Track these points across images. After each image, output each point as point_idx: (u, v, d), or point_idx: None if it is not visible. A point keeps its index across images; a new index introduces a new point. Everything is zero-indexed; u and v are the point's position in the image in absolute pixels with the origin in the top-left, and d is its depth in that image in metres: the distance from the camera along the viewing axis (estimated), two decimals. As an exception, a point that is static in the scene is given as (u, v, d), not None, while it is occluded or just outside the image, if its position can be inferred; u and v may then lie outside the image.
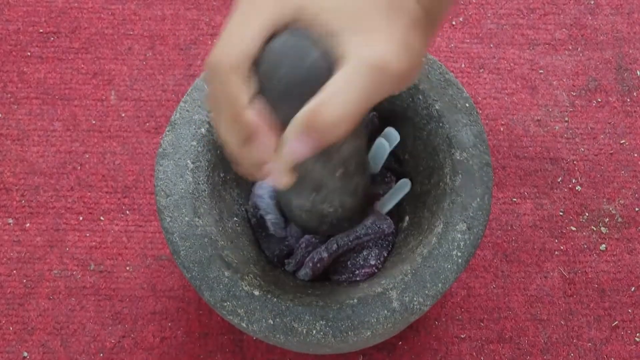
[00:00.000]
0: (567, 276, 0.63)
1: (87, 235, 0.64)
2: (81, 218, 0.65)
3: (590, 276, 0.63)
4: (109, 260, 0.63)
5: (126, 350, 0.61)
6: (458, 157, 0.51)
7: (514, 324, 0.62)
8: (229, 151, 0.40)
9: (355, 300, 0.48)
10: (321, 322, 0.47)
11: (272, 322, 0.47)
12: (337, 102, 0.37)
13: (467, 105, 0.52)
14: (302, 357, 0.61)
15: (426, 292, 0.47)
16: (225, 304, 0.47)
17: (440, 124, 0.52)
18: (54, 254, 0.64)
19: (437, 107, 0.52)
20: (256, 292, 0.48)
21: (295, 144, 0.38)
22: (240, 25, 0.39)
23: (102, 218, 0.65)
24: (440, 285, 0.48)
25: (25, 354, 0.61)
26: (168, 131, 0.52)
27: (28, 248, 0.64)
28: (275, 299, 0.48)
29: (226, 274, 0.48)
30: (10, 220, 0.65)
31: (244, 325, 0.47)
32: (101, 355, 0.61)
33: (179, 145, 0.51)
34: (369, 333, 0.47)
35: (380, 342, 0.60)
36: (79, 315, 0.62)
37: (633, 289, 0.63)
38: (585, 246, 0.64)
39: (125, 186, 0.66)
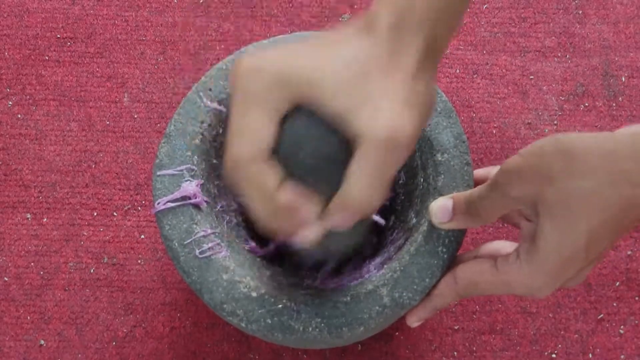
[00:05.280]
0: (555, 271, 0.65)
1: (101, 230, 0.65)
2: (95, 214, 0.65)
3: (577, 271, 0.65)
4: (122, 253, 0.64)
5: (137, 339, 0.62)
6: (440, 158, 0.51)
7: (505, 316, 0.62)
8: (264, 226, 0.41)
9: (349, 298, 0.48)
10: (317, 319, 0.47)
11: (270, 322, 0.47)
12: (362, 185, 0.39)
13: (446, 108, 0.52)
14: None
15: (415, 287, 0.48)
16: (225, 305, 0.48)
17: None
18: (69, 248, 0.64)
19: None
20: (254, 294, 0.48)
21: (335, 221, 0.41)
22: (247, 118, 0.39)
23: (115, 214, 0.65)
24: (427, 280, 0.48)
25: (42, 342, 0.62)
26: (164, 143, 0.52)
27: (45, 242, 0.64)
28: (272, 299, 0.48)
29: (224, 277, 0.48)
30: (29, 215, 0.65)
31: (243, 325, 0.48)
32: (114, 343, 0.61)
33: (174, 156, 0.51)
34: (362, 328, 0.47)
35: (378, 333, 0.60)
36: (93, 306, 0.63)
37: (617, 283, 0.63)
38: (573, 243, 0.65)
39: (137, 184, 0.66)
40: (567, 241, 0.42)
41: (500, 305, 0.63)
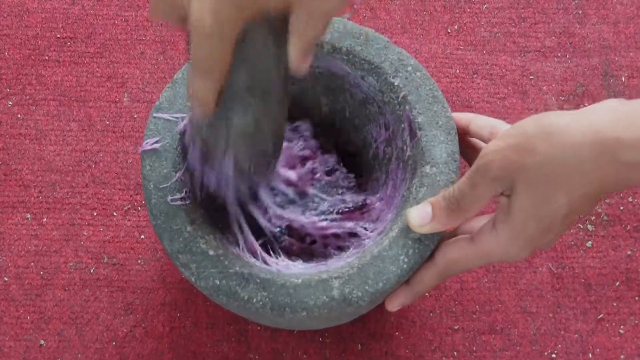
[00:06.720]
0: (555, 271, 0.64)
1: (101, 229, 0.65)
2: (95, 213, 0.65)
3: (577, 271, 0.64)
4: (122, 253, 0.64)
5: (137, 339, 0.62)
6: (427, 171, 0.51)
7: (505, 316, 0.63)
8: (195, 88, 0.42)
9: (299, 281, 0.48)
10: (263, 293, 0.48)
11: (218, 283, 0.48)
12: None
13: (448, 124, 0.52)
14: (304, 346, 0.61)
15: (367, 288, 0.48)
16: (180, 255, 0.49)
17: (418, 137, 0.52)
18: (69, 248, 0.64)
19: (419, 120, 0.52)
20: (211, 252, 0.49)
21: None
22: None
23: (115, 214, 0.65)
24: (381, 284, 0.48)
25: (42, 341, 0.62)
26: (168, 87, 0.52)
27: (45, 242, 0.65)
28: (226, 262, 0.48)
29: (188, 229, 0.49)
30: (29, 215, 0.65)
31: (192, 279, 0.48)
32: (114, 343, 0.62)
33: (175, 102, 0.52)
34: (304, 313, 0.47)
35: (377, 332, 0.62)
36: (93, 306, 0.63)
37: (617, 283, 0.64)
38: (573, 243, 0.64)
39: (137, 183, 0.66)
40: (547, 211, 0.43)
41: (500, 305, 0.63)
